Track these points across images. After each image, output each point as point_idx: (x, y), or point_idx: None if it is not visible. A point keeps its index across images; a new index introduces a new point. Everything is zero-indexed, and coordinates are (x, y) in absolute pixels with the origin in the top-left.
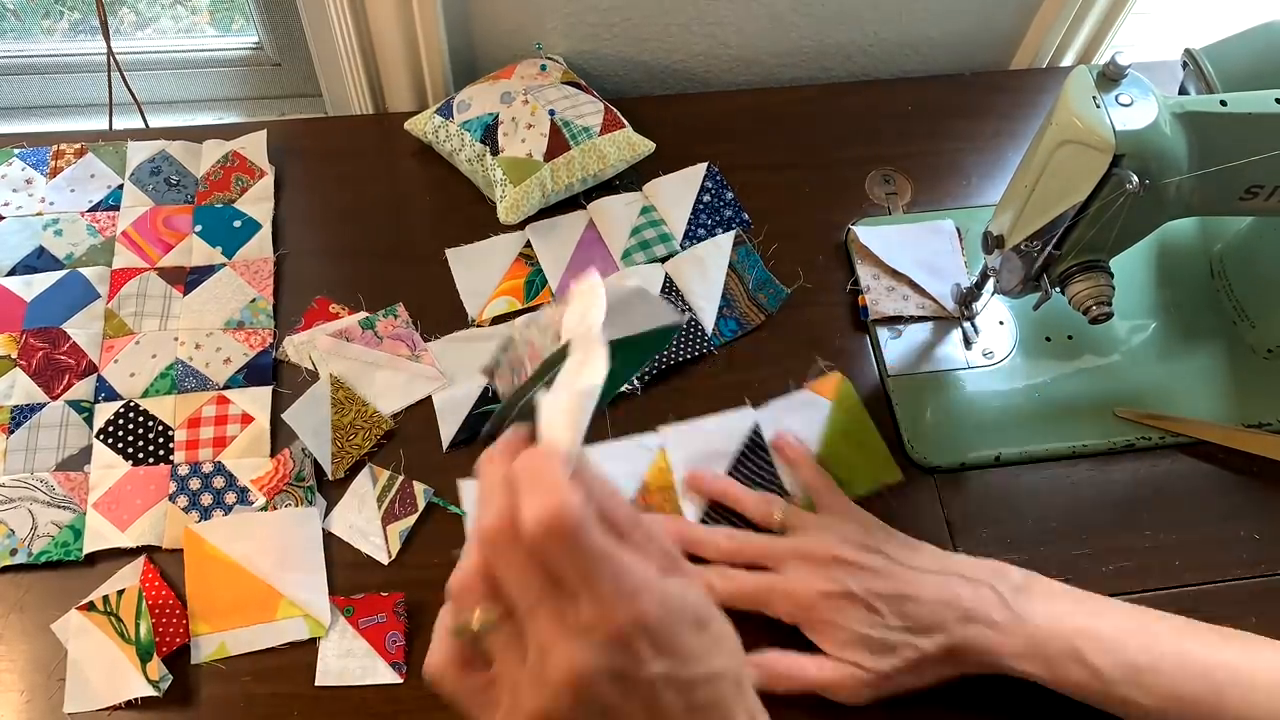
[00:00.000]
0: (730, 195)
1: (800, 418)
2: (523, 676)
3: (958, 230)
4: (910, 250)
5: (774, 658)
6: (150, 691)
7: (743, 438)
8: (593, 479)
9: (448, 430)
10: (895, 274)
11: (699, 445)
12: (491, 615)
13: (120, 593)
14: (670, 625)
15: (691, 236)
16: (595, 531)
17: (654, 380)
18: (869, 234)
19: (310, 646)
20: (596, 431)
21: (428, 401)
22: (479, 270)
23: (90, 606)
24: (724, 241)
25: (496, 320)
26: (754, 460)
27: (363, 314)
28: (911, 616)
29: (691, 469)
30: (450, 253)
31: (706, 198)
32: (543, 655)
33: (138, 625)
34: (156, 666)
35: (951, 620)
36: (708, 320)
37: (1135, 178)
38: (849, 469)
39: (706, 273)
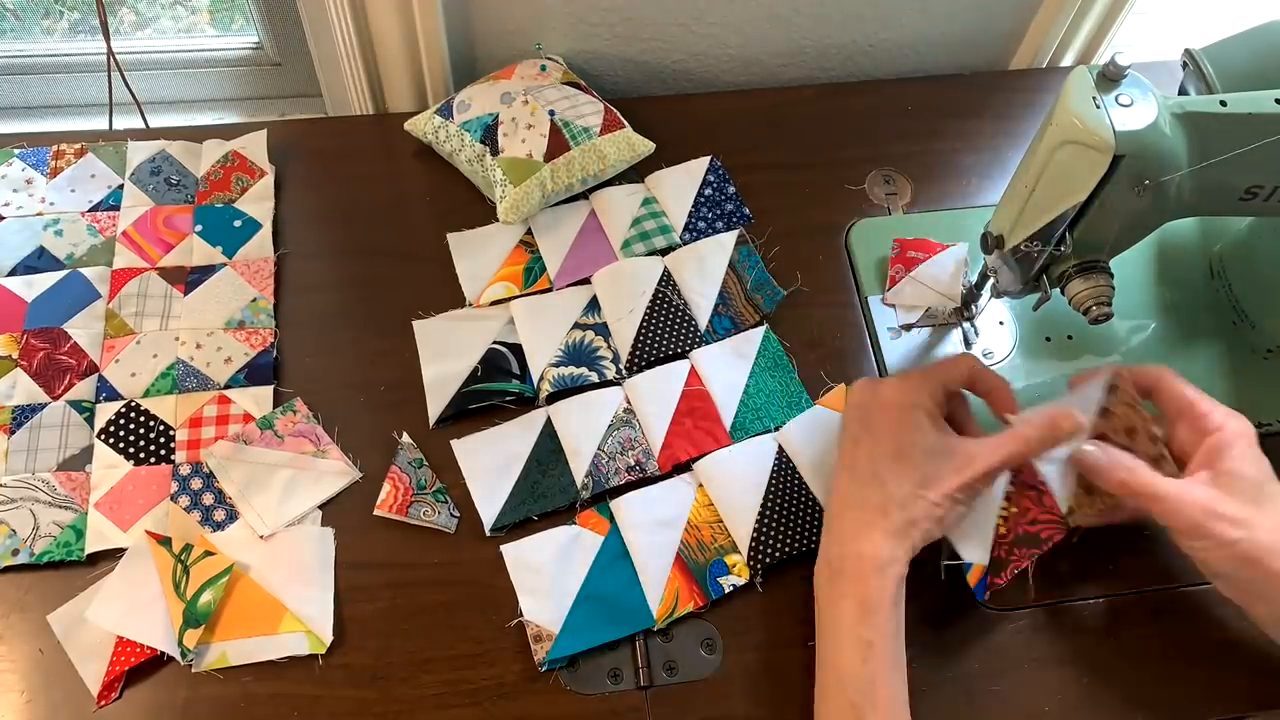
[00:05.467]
0: (732, 189)
1: (818, 436)
2: None
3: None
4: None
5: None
6: (176, 654)
7: (770, 462)
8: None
9: (435, 407)
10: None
11: (734, 477)
12: None
13: (208, 554)
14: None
15: (692, 229)
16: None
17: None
18: None
19: None
20: (635, 484)
21: (419, 376)
22: (479, 255)
23: (164, 540)
24: (727, 240)
25: (494, 305)
26: (786, 483)
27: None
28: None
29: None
30: (452, 237)
31: (708, 191)
32: None
33: (201, 590)
34: (195, 637)
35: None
36: (702, 316)
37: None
38: None
39: (706, 269)
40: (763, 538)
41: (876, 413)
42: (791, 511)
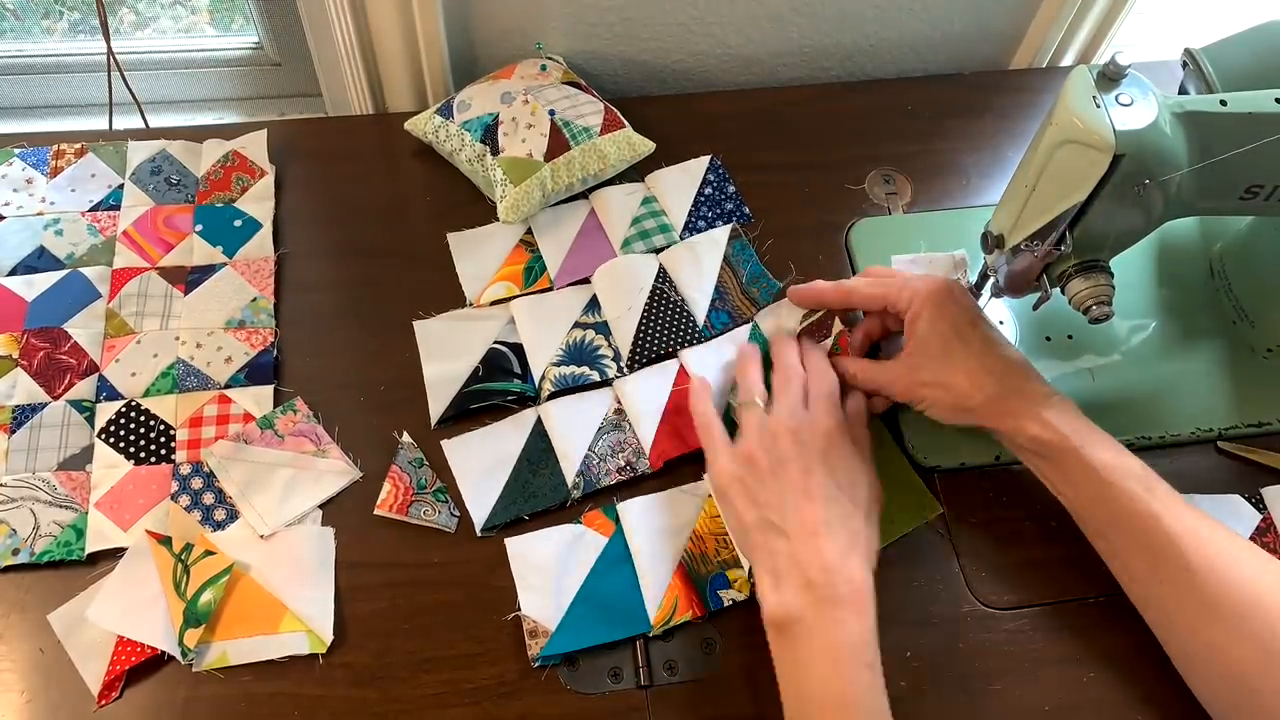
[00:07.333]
0: (732, 189)
1: None
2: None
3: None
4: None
5: (849, 360)
6: (176, 653)
7: None
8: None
9: (437, 407)
10: None
11: None
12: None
13: (208, 554)
14: (771, 470)
15: (692, 228)
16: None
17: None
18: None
19: None
20: (646, 486)
21: (419, 375)
22: (479, 255)
23: (165, 540)
24: (720, 235)
25: (495, 304)
26: None
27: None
28: (991, 352)
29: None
30: (452, 237)
31: (708, 190)
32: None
33: (202, 590)
34: (196, 637)
35: (1010, 389)
36: (699, 312)
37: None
38: (889, 506)
39: (700, 264)
40: None
41: (824, 438)
42: None
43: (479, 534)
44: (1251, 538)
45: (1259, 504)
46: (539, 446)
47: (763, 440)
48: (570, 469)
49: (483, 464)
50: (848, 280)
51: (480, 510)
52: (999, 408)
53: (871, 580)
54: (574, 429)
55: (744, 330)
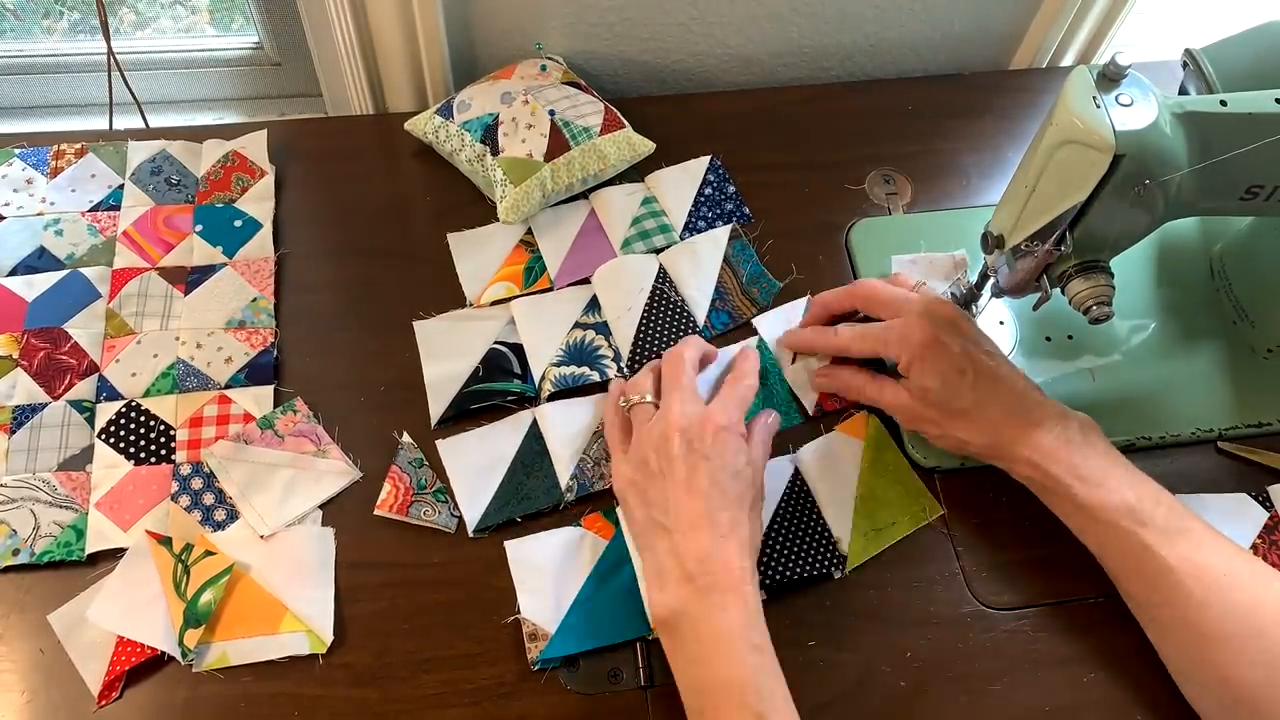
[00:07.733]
0: (732, 189)
1: (835, 460)
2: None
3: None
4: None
5: (849, 373)
6: (176, 654)
7: (784, 484)
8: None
9: (437, 407)
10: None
11: None
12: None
13: (209, 554)
14: (677, 444)
15: (691, 228)
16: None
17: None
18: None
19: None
20: None
21: (419, 376)
22: (479, 255)
23: (165, 540)
24: (720, 235)
25: (495, 304)
26: (797, 506)
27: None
28: (987, 398)
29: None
30: (452, 237)
31: (708, 190)
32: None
33: (201, 590)
34: (196, 637)
35: (1003, 438)
36: (700, 312)
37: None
38: (891, 508)
39: (700, 265)
40: (764, 557)
41: (712, 436)
42: (798, 535)
43: (471, 535)
44: (1260, 536)
45: (1266, 502)
46: (534, 449)
47: (654, 440)
48: (564, 472)
49: (477, 464)
50: (841, 332)
51: (473, 511)
52: (993, 453)
53: (750, 565)
54: (569, 432)
55: (737, 342)
